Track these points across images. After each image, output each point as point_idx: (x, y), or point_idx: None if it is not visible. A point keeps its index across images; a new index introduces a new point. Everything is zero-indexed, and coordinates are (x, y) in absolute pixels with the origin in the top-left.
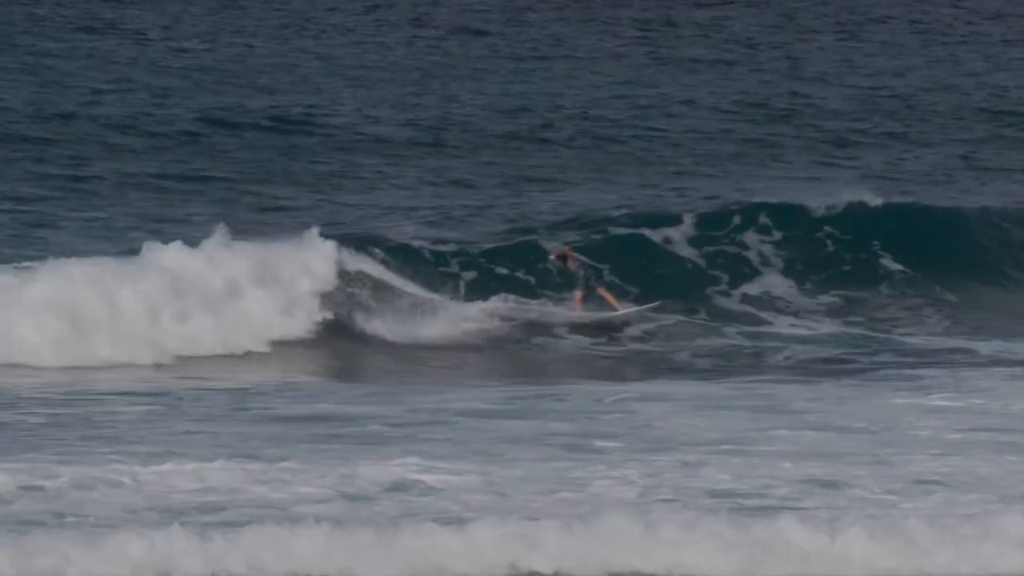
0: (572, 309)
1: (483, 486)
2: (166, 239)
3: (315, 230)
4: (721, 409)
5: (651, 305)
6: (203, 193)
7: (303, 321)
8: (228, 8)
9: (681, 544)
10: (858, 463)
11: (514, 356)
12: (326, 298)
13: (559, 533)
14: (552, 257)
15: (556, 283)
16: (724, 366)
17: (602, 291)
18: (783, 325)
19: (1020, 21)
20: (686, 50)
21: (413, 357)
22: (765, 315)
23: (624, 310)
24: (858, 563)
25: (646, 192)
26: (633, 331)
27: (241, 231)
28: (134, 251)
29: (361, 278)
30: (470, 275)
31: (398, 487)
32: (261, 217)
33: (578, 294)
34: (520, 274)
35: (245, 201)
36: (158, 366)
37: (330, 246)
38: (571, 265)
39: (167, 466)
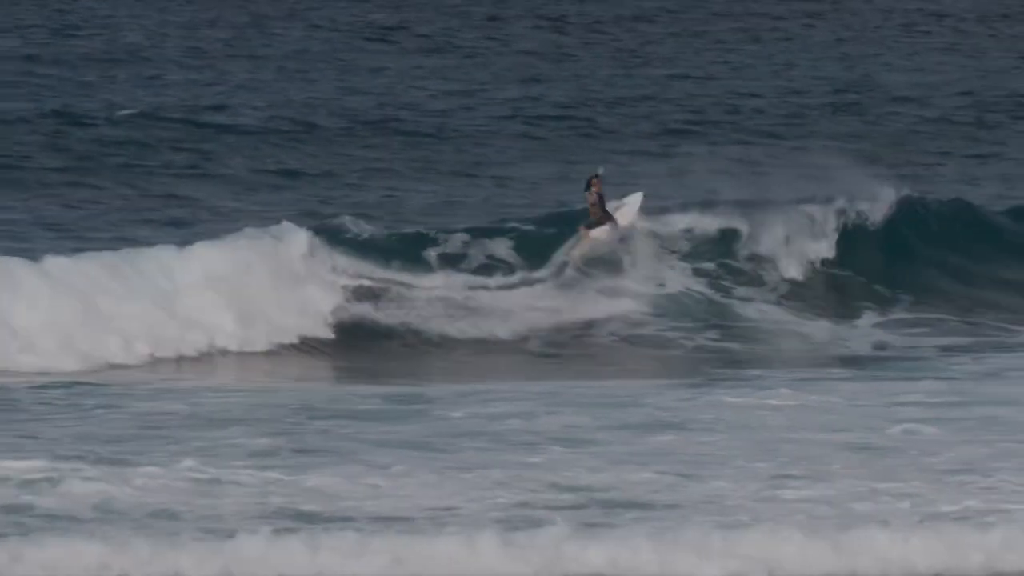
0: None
1: (326, 489)
2: None
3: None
4: (568, 406)
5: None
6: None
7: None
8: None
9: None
10: (712, 461)
11: (395, 352)
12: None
13: (401, 540)
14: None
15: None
16: (561, 348)
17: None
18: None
19: (851, 16)
20: (521, 43)
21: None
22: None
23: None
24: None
25: (471, 182)
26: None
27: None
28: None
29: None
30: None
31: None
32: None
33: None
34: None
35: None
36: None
37: (304, 238)
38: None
39: None
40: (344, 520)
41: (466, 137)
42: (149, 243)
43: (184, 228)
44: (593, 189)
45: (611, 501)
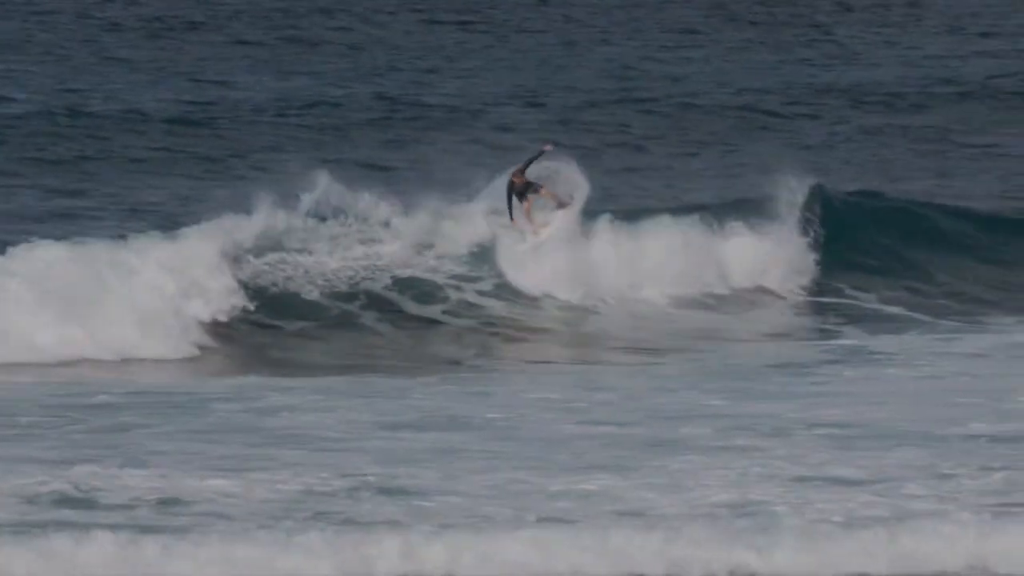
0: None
1: (97, 483)
2: None
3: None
4: (350, 398)
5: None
6: None
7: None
8: None
9: None
10: (487, 456)
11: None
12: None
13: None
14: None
15: None
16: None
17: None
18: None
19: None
20: (284, 32)
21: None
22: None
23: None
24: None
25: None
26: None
27: None
28: None
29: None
30: None
31: None
32: None
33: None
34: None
35: None
36: None
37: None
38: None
39: None
40: (120, 509)
41: (225, 127)
42: None
43: None
44: (514, 180)
45: (391, 494)
